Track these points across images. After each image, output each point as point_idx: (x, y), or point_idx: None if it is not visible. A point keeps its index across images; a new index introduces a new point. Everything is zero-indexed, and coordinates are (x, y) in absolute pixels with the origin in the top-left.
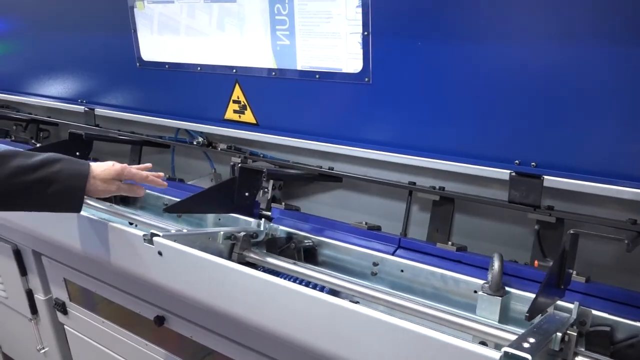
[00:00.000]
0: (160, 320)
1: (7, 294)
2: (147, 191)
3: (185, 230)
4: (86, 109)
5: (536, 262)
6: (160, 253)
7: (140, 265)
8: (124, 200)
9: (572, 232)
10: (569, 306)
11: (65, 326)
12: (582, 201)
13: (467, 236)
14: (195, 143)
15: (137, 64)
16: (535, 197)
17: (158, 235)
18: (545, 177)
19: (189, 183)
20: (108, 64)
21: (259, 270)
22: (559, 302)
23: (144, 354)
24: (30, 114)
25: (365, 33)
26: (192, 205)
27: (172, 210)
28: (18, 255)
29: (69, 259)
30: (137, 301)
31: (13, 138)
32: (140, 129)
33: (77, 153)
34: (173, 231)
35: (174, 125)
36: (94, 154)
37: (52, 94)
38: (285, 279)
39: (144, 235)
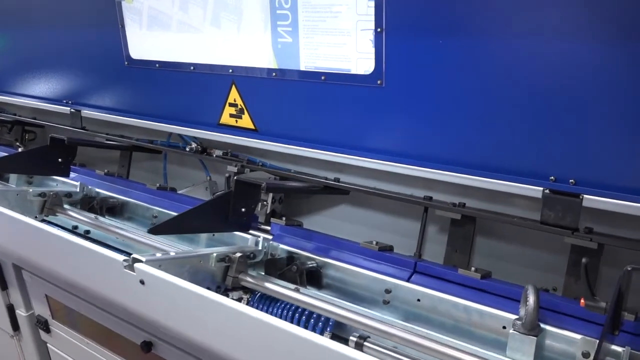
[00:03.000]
0: (147, 345)
1: None
2: (136, 202)
3: (172, 253)
4: (72, 110)
5: (582, 300)
6: (142, 282)
7: (120, 293)
8: (111, 211)
9: (629, 268)
10: (616, 349)
11: (48, 345)
12: (617, 223)
13: (488, 256)
14: (188, 149)
15: (126, 63)
16: (572, 219)
17: (140, 261)
18: (585, 196)
19: (180, 192)
20: (94, 62)
21: (256, 295)
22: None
23: None
24: (15, 114)
25: (379, 30)
26: (180, 225)
27: (158, 231)
28: None
29: (50, 274)
30: (123, 324)
31: None
32: (130, 133)
33: (60, 159)
34: (158, 255)
35: (165, 130)
36: (81, 159)
37: (36, 93)
38: (285, 307)
39: (124, 260)
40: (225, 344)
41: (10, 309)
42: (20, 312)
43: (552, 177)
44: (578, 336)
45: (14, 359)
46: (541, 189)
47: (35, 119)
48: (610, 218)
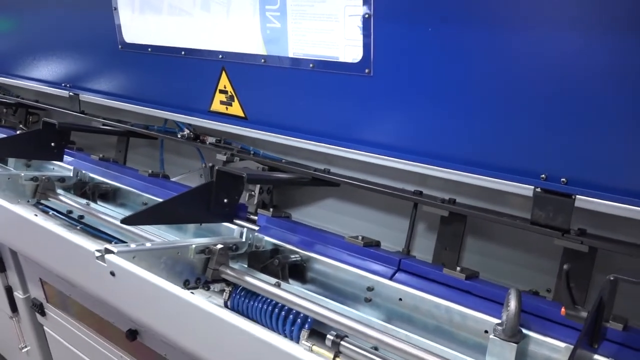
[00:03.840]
0: (132, 334)
1: None
2: (128, 188)
3: (148, 244)
4: (71, 94)
5: (563, 309)
6: (112, 274)
7: (93, 284)
8: (103, 197)
9: (611, 278)
10: None
11: (44, 327)
12: (611, 225)
13: (480, 254)
14: (179, 136)
15: (119, 46)
16: (564, 220)
17: (112, 252)
18: (578, 196)
19: (173, 179)
20: (91, 46)
21: (239, 288)
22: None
23: None
24: (19, 96)
25: (367, 15)
26: (157, 215)
27: (131, 221)
28: None
29: (35, 260)
30: (111, 311)
31: (3, 122)
32: (128, 118)
33: (52, 144)
34: (133, 246)
35: (158, 115)
36: (83, 144)
37: (37, 76)
38: (266, 301)
39: (96, 250)
40: (189, 341)
41: (9, 291)
42: (18, 295)
43: (543, 175)
44: (562, 344)
45: (15, 339)
46: (532, 187)
47: (37, 101)
48: (609, 221)
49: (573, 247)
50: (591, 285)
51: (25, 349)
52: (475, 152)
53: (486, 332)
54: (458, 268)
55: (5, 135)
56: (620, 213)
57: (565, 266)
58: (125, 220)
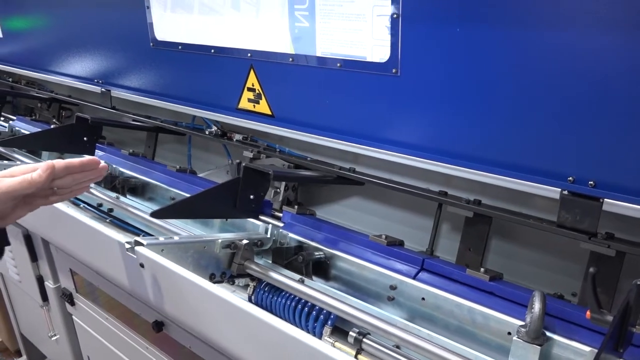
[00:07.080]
0: (158, 325)
1: (20, 277)
2: (156, 183)
3: (176, 238)
4: (103, 90)
5: (588, 313)
6: (142, 265)
7: (123, 275)
8: (132, 191)
9: (638, 282)
10: None
11: (73, 317)
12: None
13: (504, 255)
14: (207, 132)
15: (151, 44)
16: (591, 223)
17: (142, 245)
18: (606, 200)
19: (200, 175)
20: (123, 43)
21: (263, 283)
22: None
23: (145, 358)
24: (53, 91)
25: (395, 15)
26: (184, 210)
27: (160, 215)
28: (28, 240)
29: (65, 250)
30: (137, 303)
31: (37, 117)
32: (157, 115)
33: (85, 138)
34: (161, 239)
35: (186, 112)
36: (114, 139)
37: (70, 72)
38: (289, 297)
39: (126, 242)
40: (215, 332)
41: (40, 280)
42: (49, 284)
43: (571, 178)
44: (587, 348)
45: (44, 327)
46: (559, 189)
47: (70, 97)
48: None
49: (600, 251)
50: (618, 289)
51: (55, 337)
52: (501, 153)
53: (509, 333)
54: (482, 269)
55: (39, 129)
56: None
57: (591, 269)
58: (154, 214)
